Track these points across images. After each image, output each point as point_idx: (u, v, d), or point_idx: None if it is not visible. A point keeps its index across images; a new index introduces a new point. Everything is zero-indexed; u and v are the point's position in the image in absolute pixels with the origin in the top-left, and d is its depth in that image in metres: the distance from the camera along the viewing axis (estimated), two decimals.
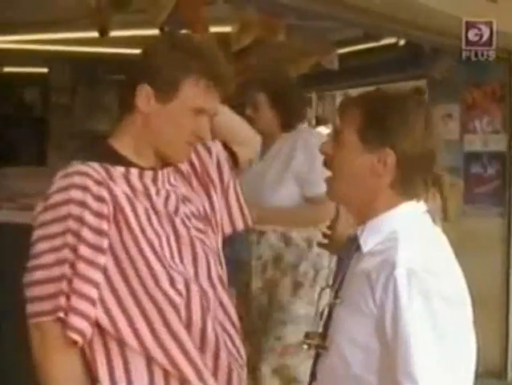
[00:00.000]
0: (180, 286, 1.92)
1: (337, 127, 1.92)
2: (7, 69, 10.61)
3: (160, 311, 1.88)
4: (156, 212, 1.97)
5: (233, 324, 2.08)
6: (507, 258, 5.46)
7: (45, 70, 9.84)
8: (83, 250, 1.84)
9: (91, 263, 1.85)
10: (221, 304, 2.05)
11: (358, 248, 1.87)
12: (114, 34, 5.16)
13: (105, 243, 1.86)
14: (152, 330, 1.88)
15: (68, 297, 1.83)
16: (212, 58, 1.98)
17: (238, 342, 2.09)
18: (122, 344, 1.88)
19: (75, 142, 9.38)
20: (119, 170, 1.96)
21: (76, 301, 1.83)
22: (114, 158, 1.98)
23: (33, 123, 11.30)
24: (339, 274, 1.92)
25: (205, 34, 4.43)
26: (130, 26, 6.12)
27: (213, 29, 4.71)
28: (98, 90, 9.40)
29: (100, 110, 9.30)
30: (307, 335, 1.96)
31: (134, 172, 1.98)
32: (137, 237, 1.90)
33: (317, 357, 1.94)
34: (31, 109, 12.43)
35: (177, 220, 2.00)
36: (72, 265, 1.84)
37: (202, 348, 1.94)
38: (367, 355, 1.76)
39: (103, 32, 5.08)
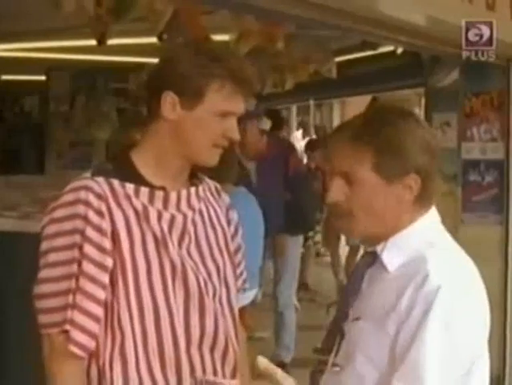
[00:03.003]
0: (149, 317, 1.93)
1: (341, 169, 1.80)
2: (6, 77, 10.62)
3: (123, 339, 1.92)
4: (155, 238, 1.95)
5: (234, 355, 2.07)
6: (505, 266, 5.46)
7: (44, 78, 9.84)
8: (87, 266, 1.90)
9: (94, 280, 1.90)
10: (216, 333, 2.02)
11: (375, 262, 1.82)
12: (112, 42, 5.16)
13: (109, 262, 1.91)
14: (111, 353, 1.92)
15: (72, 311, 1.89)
16: (234, 61, 1.98)
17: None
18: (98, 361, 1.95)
19: (74, 150, 9.39)
20: (128, 188, 1.95)
21: (78, 317, 1.89)
22: (129, 174, 1.98)
23: (31, 131, 11.33)
24: (351, 290, 1.87)
25: (205, 42, 4.42)
26: (128, 35, 6.13)
27: (212, 37, 4.71)
28: (97, 98, 9.41)
29: (99, 118, 9.30)
30: (317, 350, 1.92)
31: (144, 191, 1.96)
32: (124, 261, 1.92)
33: (317, 374, 1.89)
34: (30, 117, 12.47)
35: (171, 248, 1.96)
36: (77, 280, 1.90)
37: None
38: (382, 375, 1.72)
39: (101, 40, 5.08)
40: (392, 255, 1.79)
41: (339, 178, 1.80)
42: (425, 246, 1.77)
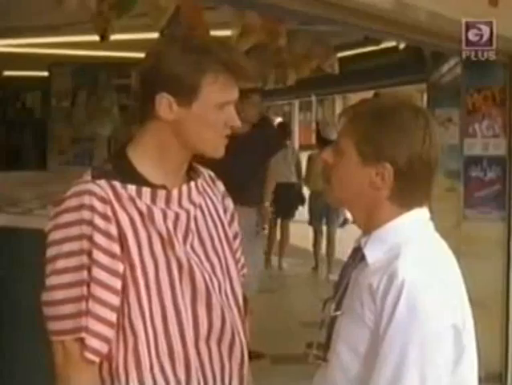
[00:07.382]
0: (158, 317, 1.93)
1: (337, 137, 1.93)
2: (8, 73, 10.64)
3: (136, 341, 1.91)
4: (161, 238, 1.95)
5: (241, 346, 2.07)
6: (507, 262, 5.46)
7: (46, 74, 9.85)
8: (97, 273, 1.88)
9: (106, 286, 1.88)
10: (223, 326, 2.03)
11: (362, 258, 1.87)
12: (114, 37, 5.16)
13: (120, 267, 1.90)
14: (125, 357, 1.92)
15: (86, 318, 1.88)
16: (224, 51, 1.96)
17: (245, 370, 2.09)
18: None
19: (76, 146, 9.40)
20: (130, 190, 1.94)
21: (93, 323, 1.87)
22: (128, 174, 1.96)
23: (33, 127, 11.34)
24: (341, 284, 1.92)
25: (206, 38, 4.43)
26: (131, 30, 6.13)
27: (214, 33, 4.71)
28: (99, 94, 9.41)
29: (101, 114, 9.30)
30: (310, 345, 1.96)
31: (146, 191, 1.95)
32: (134, 264, 1.91)
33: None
34: (32, 113, 12.49)
35: (177, 246, 1.96)
36: (88, 286, 1.88)
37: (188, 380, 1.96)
38: (365, 366, 1.76)
39: (104, 36, 5.08)
40: (373, 248, 1.86)
41: (335, 145, 1.92)
42: (403, 242, 1.82)
